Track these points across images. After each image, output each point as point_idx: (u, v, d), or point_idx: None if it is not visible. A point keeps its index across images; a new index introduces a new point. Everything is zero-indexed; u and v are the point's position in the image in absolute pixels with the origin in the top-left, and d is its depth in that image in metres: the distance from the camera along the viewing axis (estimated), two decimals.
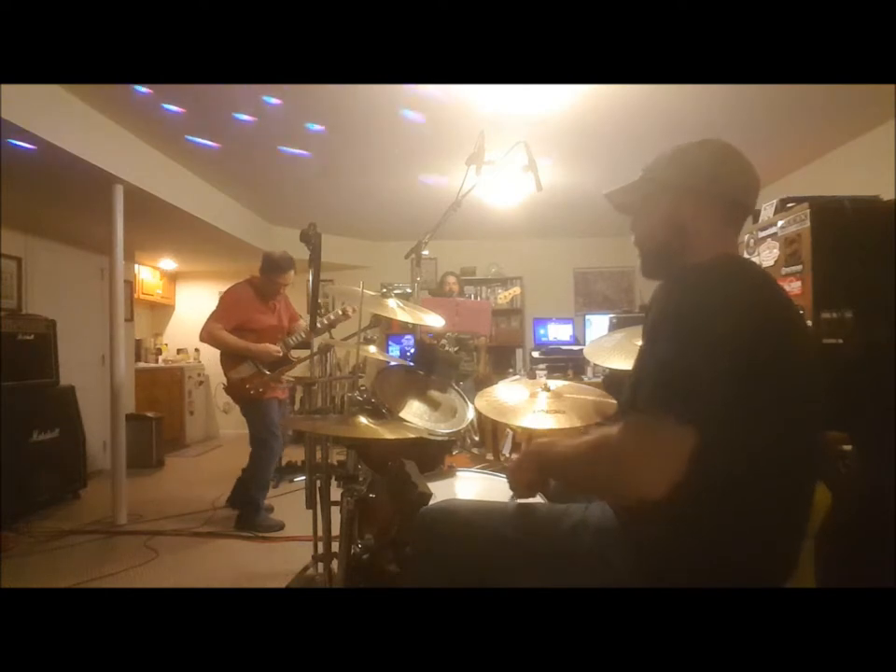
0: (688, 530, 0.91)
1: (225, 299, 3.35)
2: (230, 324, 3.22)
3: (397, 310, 1.90)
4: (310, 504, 3.56)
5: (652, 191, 1.09)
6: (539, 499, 1.45)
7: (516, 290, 4.64)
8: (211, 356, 6.84)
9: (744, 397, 0.86)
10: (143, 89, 2.86)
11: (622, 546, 0.98)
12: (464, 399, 1.96)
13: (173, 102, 3.01)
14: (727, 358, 0.85)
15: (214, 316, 3.25)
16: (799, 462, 0.96)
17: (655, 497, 0.84)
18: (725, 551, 0.91)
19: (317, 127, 3.36)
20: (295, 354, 3.36)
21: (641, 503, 0.87)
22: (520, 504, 1.17)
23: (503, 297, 4.52)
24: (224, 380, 3.30)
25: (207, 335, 3.19)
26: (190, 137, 3.47)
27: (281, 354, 3.25)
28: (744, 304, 0.90)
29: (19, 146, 2.81)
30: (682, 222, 1.04)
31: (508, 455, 3.30)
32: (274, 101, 3.00)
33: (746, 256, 2.72)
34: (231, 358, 3.23)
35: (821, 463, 1.05)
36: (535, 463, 1.10)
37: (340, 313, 3.07)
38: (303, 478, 3.95)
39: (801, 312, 1.07)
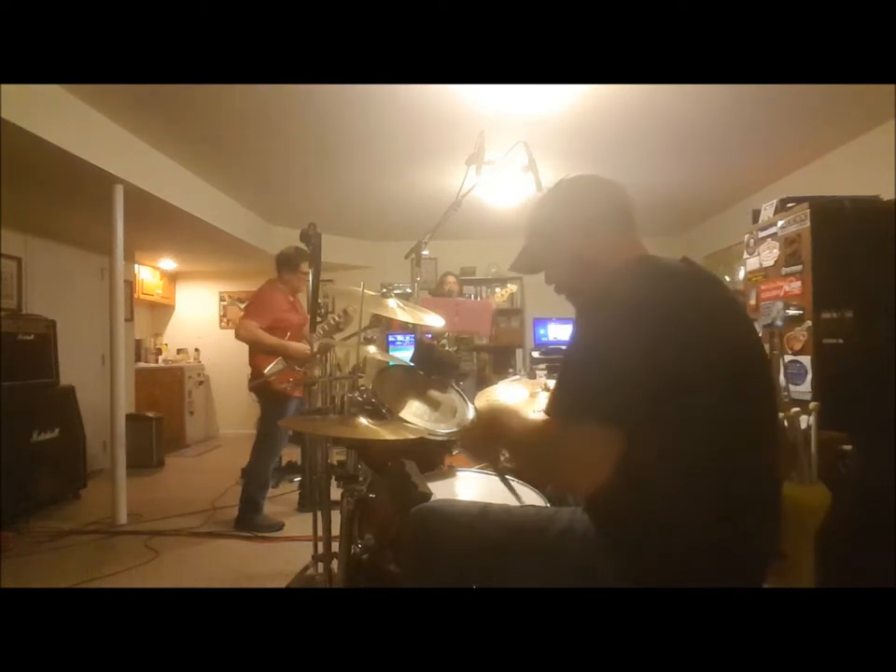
0: (664, 532, 0.91)
1: (259, 298, 3.41)
2: (264, 322, 3.27)
3: (397, 310, 1.90)
4: (303, 506, 3.59)
5: (542, 245, 1.20)
6: (538, 501, 1.45)
7: (513, 288, 4.65)
8: (211, 356, 6.93)
9: (659, 394, 0.87)
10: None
11: (607, 552, 0.98)
12: (464, 398, 1.96)
13: (173, 101, 3.01)
14: (630, 356, 0.87)
15: (249, 315, 3.31)
16: (750, 453, 0.96)
17: (579, 491, 0.95)
18: (703, 549, 0.92)
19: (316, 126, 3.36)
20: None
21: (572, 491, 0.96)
22: (509, 507, 1.19)
23: (500, 296, 4.50)
24: (248, 378, 3.36)
25: (246, 332, 3.24)
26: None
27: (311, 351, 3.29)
28: (634, 301, 0.93)
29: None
30: (579, 253, 1.13)
31: (508, 456, 3.30)
32: (275, 100, 3.00)
33: (746, 256, 2.73)
34: (264, 356, 3.27)
35: (776, 450, 1.05)
36: (485, 430, 1.16)
37: (341, 314, 3.10)
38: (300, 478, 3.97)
39: (727, 300, 1.08)
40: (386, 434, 1.48)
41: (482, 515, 1.15)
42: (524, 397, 1.85)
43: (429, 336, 3.17)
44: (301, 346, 3.27)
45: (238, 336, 3.28)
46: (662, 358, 0.87)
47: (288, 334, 3.34)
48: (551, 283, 1.21)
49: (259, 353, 3.30)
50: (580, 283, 1.15)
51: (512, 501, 1.30)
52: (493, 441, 1.16)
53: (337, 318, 3.19)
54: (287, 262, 3.47)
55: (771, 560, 1.01)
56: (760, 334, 1.15)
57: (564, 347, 1.04)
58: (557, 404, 0.97)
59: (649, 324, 0.89)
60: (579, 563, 1.01)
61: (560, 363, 1.01)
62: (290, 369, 3.21)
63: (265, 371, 3.21)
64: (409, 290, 3.39)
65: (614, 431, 0.87)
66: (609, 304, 0.95)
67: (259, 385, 3.24)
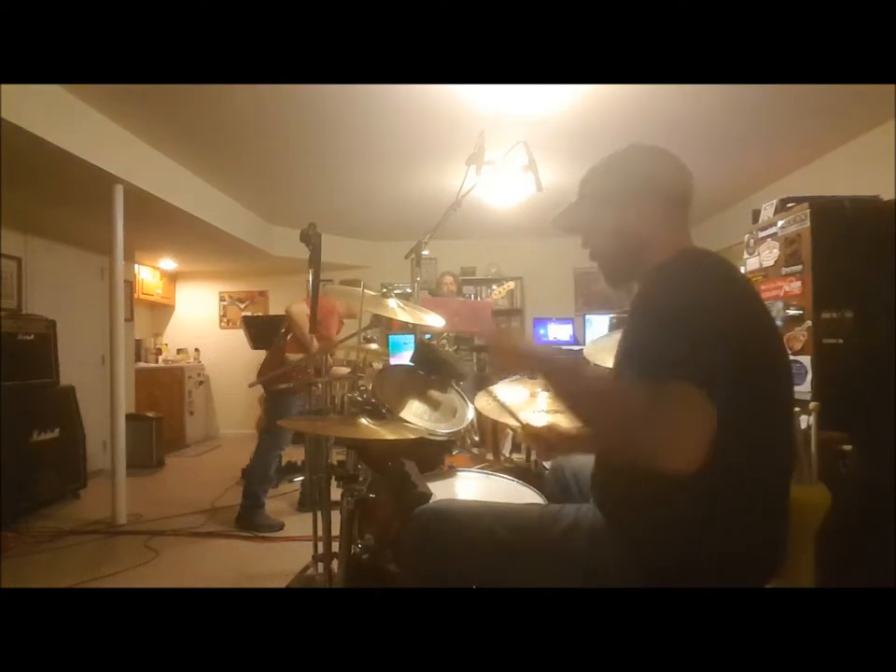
0: (674, 529, 0.91)
1: (325, 299, 3.44)
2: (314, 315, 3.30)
3: (397, 310, 1.90)
4: (303, 506, 3.58)
5: (595, 206, 1.12)
6: (538, 500, 1.45)
7: (510, 285, 4.64)
8: (211, 356, 6.93)
9: (738, 387, 0.86)
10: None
11: (613, 547, 0.98)
12: (464, 398, 1.96)
13: (173, 101, 3.01)
14: (724, 348, 0.85)
15: (307, 302, 3.34)
16: (777, 453, 0.97)
17: (685, 471, 0.77)
18: (712, 547, 0.92)
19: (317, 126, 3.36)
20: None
21: (664, 474, 0.79)
22: (513, 505, 1.18)
23: (497, 293, 4.50)
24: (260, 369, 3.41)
25: (298, 311, 3.28)
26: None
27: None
28: (729, 294, 0.93)
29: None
30: (633, 227, 1.07)
31: (508, 455, 3.30)
32: (275, 100, 3.00)
33: (746, 256, 2.72)
34: (295, 344, 3.31)
35: (794, 453, 1.06)
36: (518, 354, 1.06)
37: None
38: (302, 478, 3.96)
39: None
40: (386, 434, 1.48)
41: (485, 515, 1.14)
42: (524, 397, 1.86)
43: (428, 336, 3.17)
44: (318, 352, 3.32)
45: (290, 309, 3.32)
46: (734, 351, 0.85)
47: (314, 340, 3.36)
48: (587, 247, 1.17)
49: (290, 341, 3.32)
50: (615, 256, 1.12)
51: (513, 500, 1.30)
52: (525, 363, 1.06)
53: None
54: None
55: (778, 564, 1.01)
56: None
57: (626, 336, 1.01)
58: (664, 362, 0.85)
59: (735, 318, 0.89)
60: (585, 560, 1.01)
61: (631, 350, 0.96)
62: (302, 367, 3.22)
63: (288, 361, 3.24)
64: (409, 290, 3.40)
65: (712, 410, 0.80)
66: (697, 294, 0.90)
67: (274, 378, 3.24)
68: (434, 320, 1.98)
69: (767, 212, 2.60)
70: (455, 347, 3.70)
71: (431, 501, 1.27)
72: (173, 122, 3.31)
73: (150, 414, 5.17)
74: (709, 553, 0.92)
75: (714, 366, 0.82)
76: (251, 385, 3.37)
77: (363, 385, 1.84)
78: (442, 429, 1.76)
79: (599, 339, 2.04)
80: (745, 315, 0.92)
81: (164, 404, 5.81)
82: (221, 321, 7.09)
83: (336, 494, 1.72)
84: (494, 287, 4.65)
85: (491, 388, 1.92)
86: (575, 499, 1.29)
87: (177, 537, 3.21)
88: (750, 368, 0.88)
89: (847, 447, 1.94)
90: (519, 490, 1.55)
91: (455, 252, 6.24)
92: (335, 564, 1.74)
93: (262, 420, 3.45)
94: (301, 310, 3.27)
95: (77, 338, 4.62)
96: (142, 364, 6.20)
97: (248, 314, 6.66)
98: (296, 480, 4.24)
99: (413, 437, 1.53)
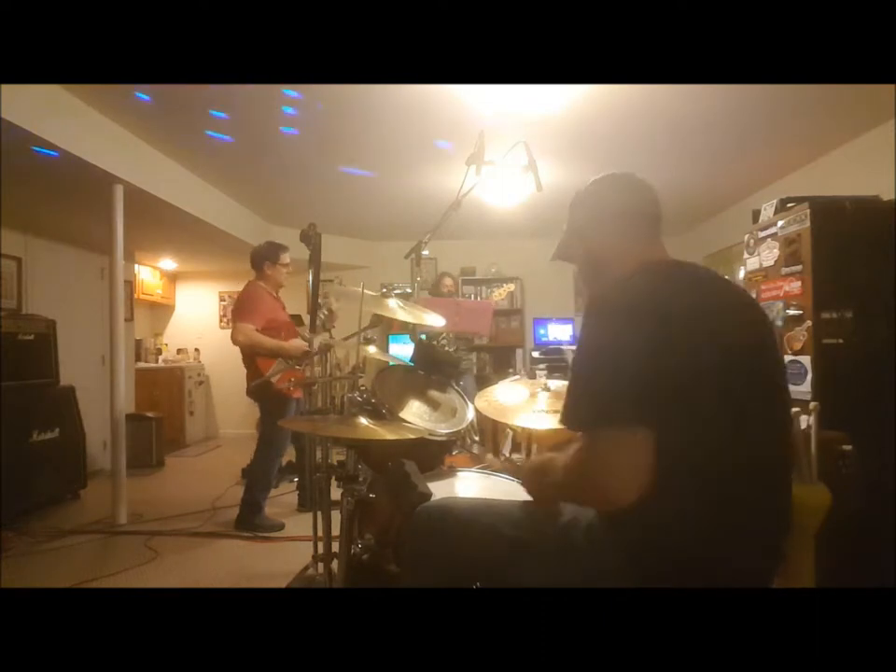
0: (669, 527, 0.92)
1: (248, 299, 3.31)
2: (259, 324, 3.18)
3: (397, 310, 1.90)
4: (303, 506, 3.57)
5: (572, 237, 1.25)
6: None
7: (510, 287, 4.66)
8: (211, 356, 6.93)
9: (660, 397, 0.89)
10: (144, 95, 2.87)
11: (611, 544, 0.98)
12: (464, 398, 1.96)
13: (174, 101, 3.01)
14: (633, 361, 0.89)
15: (243, 318, 3.18)
16: (772, 453, 0.97)
17: (628, 502, 0.88)
18: (708, 547, 0.93)
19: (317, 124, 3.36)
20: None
21: (622, 508, 0.90)
22: (514, 502, 1.19)
23: (498, 294, 4.51)
24: (246, 382, 3.29)
25: (244, 337, 3.12)
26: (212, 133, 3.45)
27: (307, 347, 3.23)
28: (631, 308, 0.95)
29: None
30: (596, 250, 1.18)
31: (508, 455, 3.31)
32: (275, 100, 3.00)
33: (746, 256, 2.72)
34: (264, 358, 3.18)
35: (788, 456, 1.06)
36: (535, 484, 1.16)
37: (326, 313, 3.04)
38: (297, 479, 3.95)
39: (735, 303, 1.10)
40: (386, 434, 1.48)
41: (486, 512, 1.15)
42: (524, 397, 1.86)
43: (423, 336, 3.16)
44: (299, 344, 3.23)
45: (235, 341, 3.17)
46: (662, 363, 0.89)
47: (282, 333, 3.29)
48: (579, 274, 1.31)
49: (257, 355, 3.21)
50: (588, 278, 1.24)
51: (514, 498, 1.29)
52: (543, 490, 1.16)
53: (322, 317, 3.14)
54: (265, 258, 3.37)
55: (774, 561, 1.01)
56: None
57: (570, 349, 1.08)
58: (575, 415, 0.99)
59: (646, 330, 0.91)
60: (584, 557, 1.01)
61: (570, 369, 1.03)
62: (291, 368, 3.17)
63: (268, 373, 3.12)
64: (409, 290, 3.38)
65: (639, 434, 0.88)
66: (609, 310, 0.98)
67: (258, 387, 3.14)
68: (435, 320, 1.98)
69: (767, 212, 2.60)
70: (455, 347, 3.69)
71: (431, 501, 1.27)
72: (173, 122, 3.30)
73: (150, 414, 5.17)
74: (706, 553, 0.92)
75: (637, 392, 0.88)
76: (249, 393, 3.31)
77: (363, 385, 1.84)
78: (442, 429, 1.76)
79: None
80: (673, 326, 0.93)
81: (164, 404, 5.81)
82: (221, 321, 7.08)
83: (336, 494, 1.72)
84: (495, 288, 4.66)
85: (490, 389, 1.92)
86: None
87: (177, 537, 3.21)
88: (692, 376, 0.90)
89: (847, 447, 1.94)
90: (519, 490, 1.54)
91: (455, 252, 6.24)
92: (335, 564, 1.74)
93: (259, 428, 3.40)
94: (245, 332, 3.11)
95: (77, 338, 4.62)
96: (142, 364, 6.21)
97: None
98: (296, 480, 4.24)
99: (413, 437, 1.53)
